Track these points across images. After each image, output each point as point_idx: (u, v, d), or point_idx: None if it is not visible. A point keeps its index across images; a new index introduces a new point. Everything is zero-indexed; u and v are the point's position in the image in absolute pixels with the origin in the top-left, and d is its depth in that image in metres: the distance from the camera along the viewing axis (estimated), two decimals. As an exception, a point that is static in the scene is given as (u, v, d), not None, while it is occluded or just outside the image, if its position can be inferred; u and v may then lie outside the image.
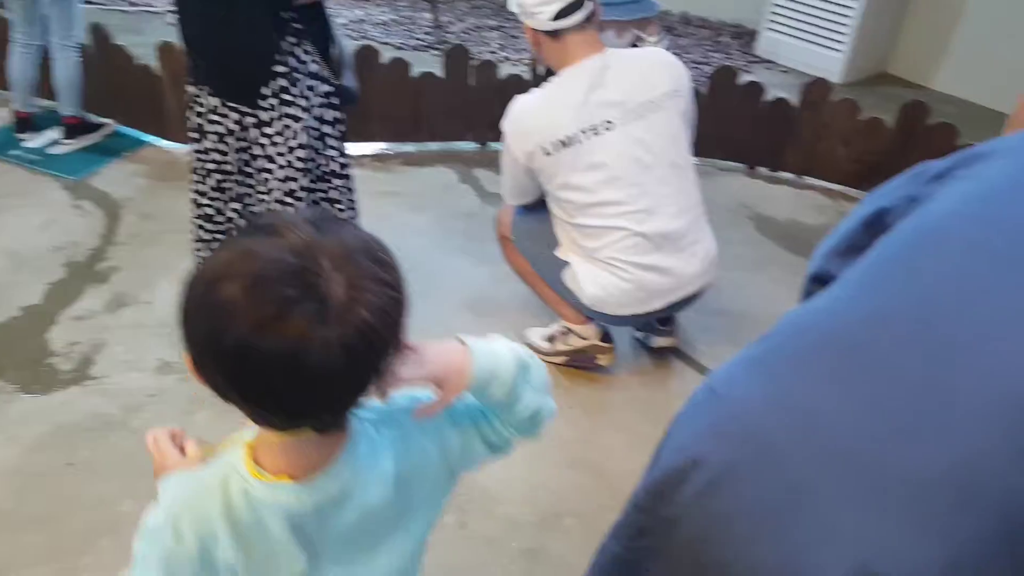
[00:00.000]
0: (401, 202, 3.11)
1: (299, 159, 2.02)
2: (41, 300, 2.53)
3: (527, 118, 2.02)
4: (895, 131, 3.06)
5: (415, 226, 2.98)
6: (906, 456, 0.75)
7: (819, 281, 0.99)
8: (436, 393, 0.88)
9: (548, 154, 1.98)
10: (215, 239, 2.20)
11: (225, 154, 2.06)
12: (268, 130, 1.98)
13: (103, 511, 1.85)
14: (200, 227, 2.22)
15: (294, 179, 2.04)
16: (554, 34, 1.99)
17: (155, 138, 3.44)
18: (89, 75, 3.39)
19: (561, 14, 1.94)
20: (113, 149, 3.43)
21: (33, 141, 3.40)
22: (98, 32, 3.33)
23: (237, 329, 0.69)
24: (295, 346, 0.69)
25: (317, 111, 2.05)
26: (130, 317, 2.48)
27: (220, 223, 2.19)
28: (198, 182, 2.14)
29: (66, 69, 3.23)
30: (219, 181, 2.12)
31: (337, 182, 2.17)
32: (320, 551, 0.88)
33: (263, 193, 2.08)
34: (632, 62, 2.06)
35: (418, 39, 4.66)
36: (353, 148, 3.36)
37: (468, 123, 3.44)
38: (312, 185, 2.11)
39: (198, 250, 2.26)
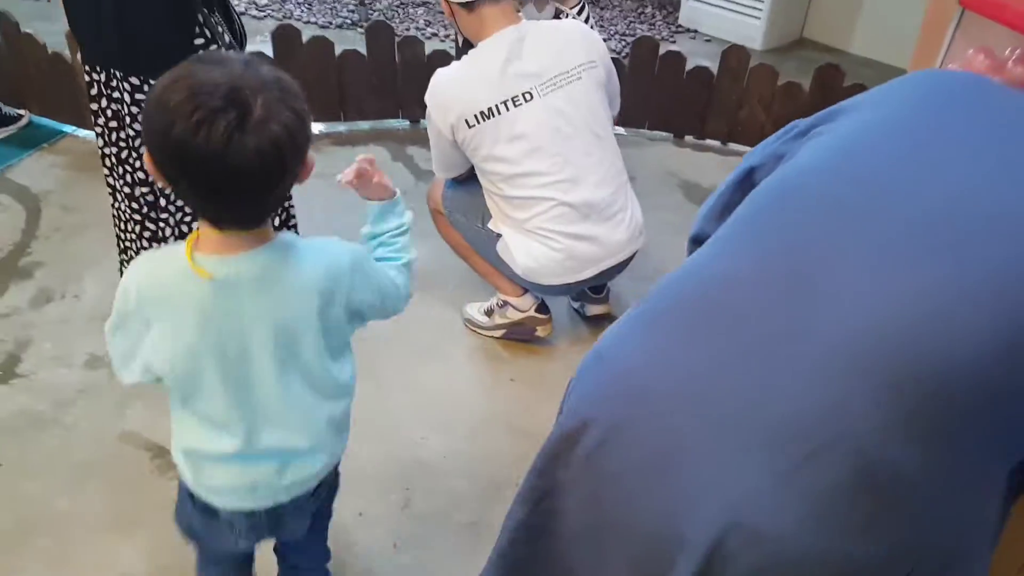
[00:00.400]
0: (333, 183, 3.07)
1: None
2: (-39, 299, 2.45)
3: (447, 91, 2.03)
4: (811, 95, 3.16)
5: (348, 204, 2.94)
6: (768, 407, 0.79)
7: (699, 243, 1.02)
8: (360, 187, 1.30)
9: (470, 126, 2.00)
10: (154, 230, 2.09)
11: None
12: None
13: (37, 510, 1.83)
14: (141, 220, 2.09)
15: None
16: (469, 6, 2.00)
17: (73, 128, 3.33)
18: (1, 65, 3.26)
19: None
20: (30, 141, 3.31)
21: (-58, 136, 3.27)
22: (5, 20, 3.20)
23: (178, 127, 0.92)
24: (221, 146, 0.92)
25: None
26: (56, 312, 2.42)
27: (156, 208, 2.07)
28: (130, 171, 2.03)
29: (-28, 58, 3.09)
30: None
31: None
32: (220, 345, 1.09)
33: None
34: (548, 34, 2.07)
35: (342, 17, 4.59)
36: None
37: (398, 101, 3.42)
38: None
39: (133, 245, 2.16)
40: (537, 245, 2.11)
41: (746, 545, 0.77)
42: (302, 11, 4.65)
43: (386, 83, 3.36)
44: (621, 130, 3.29)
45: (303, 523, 1.32)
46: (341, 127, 3.47)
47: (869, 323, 0.77)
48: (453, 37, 2.28)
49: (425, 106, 2.13)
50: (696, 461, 0.81)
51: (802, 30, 4.63)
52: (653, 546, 0.84)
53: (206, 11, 1.89)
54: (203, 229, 1.08)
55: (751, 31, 4.40)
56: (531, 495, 0.99)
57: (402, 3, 4.79)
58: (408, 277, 1.31)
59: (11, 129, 3.33)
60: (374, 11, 4.70)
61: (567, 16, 2.41)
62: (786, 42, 4.54)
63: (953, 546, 0.81)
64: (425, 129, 3.43)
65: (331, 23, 4.53)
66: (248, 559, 1.44)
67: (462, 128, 2.01)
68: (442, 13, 4.30)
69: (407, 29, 4.41)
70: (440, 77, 2.06)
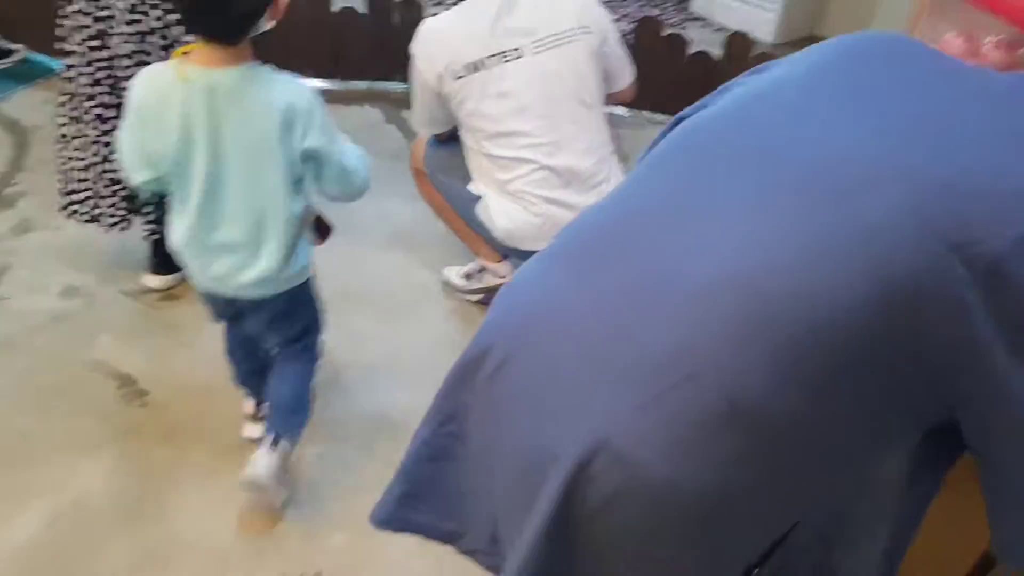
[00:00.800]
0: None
1: None
2: (-58, 223, 2.45)
3: (436, 40, 1.98)
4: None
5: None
6: (638, 340, 0.81)
7: None
8: None
9: (457, 77, 1.96)
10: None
11: (138, 49, 1.92)
12: None
13: (1, 428, 1.83)
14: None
15: None
16: None
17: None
18: (0, -3, 3.25)
19: None
20: (23, 76, 3.31)
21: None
22: (6, -50, 3.18)
23: None
24: None
25: None
26: (37, 241, 2.42)
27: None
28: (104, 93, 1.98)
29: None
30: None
31: None
32: (206, 151, 1.36)
33: None
34: None
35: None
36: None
37: (394, 62, 3.39)
38: None
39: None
40: (516, 208, 2.08)
41: (610, 466, 0.80)
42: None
43: (384, 44, 3.34)
44: (622, 110, 3.27)
45: (259, 323, 1.62)
46: (335, 85, 3.45)
47: (737, 266, 0.78)
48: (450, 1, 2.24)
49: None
50: (569, 388, 0.84)
51: (816, 25, 4.60)
52: (530, 464, 0.87)
53: None
54: (195, 47, 1.34)
55: (763, 23, 4.38)
56: (435, 416, 1.01)
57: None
58: (366, 165, 1.54)
59: (5, 63, 3.33)
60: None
61: None
62: (799, 36, 4.51)
63: (844, 509, 0.82)
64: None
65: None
66: (250, 341, 1.72)
67: (448, 80, 1.97)
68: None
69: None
70: (428, 25, 2.02)
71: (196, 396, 1.98)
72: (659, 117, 3.51)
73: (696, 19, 4.63)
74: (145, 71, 1.39)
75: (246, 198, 1.42)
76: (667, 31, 3.34)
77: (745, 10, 4.44)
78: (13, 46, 3.37)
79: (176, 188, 1.43)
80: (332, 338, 2.19)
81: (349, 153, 1.49)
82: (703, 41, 4.18)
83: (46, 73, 3.33)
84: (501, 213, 2.10)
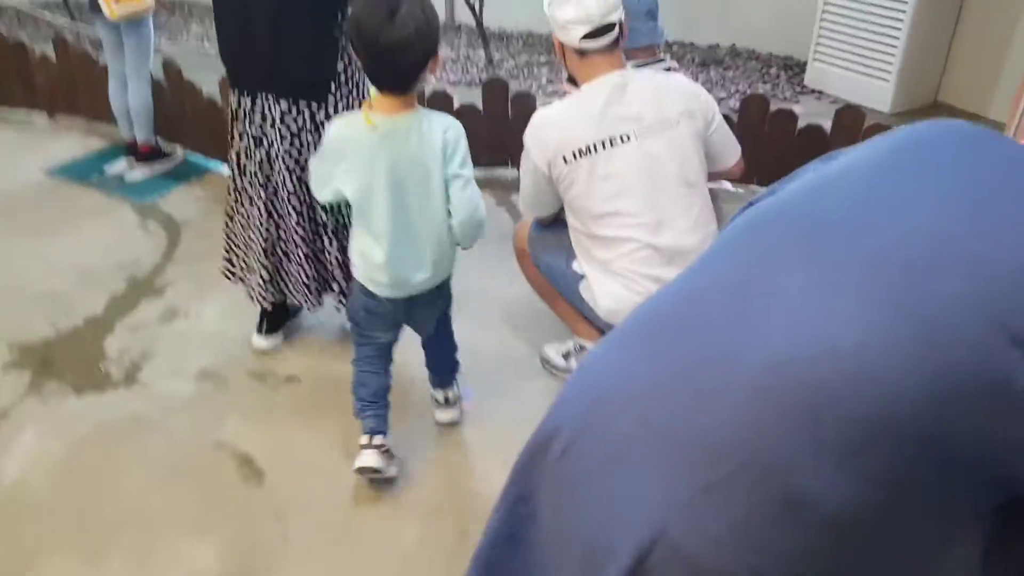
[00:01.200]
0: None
1: None
2: (102, 311, 2.76)
3: (548, 128, 2.08)
4: (930, 160, 3.03)
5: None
6: (697, 423, 0.80)
7: None
8: None
9: (567, 162, 2.04)
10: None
11: (288, 154, 2.24)
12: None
13: (131, 506, 2.02)
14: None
15: None
16: (580, 52, 2.05)
17: (219, 164, 3.70)
18: (163, 107, 3.70)
19: (590, 35, 2.00)
20: (182, 175, 3.71)
21: (113, 168, 3.72)
22: (170, 67, 3.63)
23: (356, 20, 1.67)
24: (378, 32, 1.64)
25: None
26: (179, 328, 2.68)
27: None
28: (259, 180, 2.30)
29: (138, 98, 3.54)
30: (269, 192, 2.32)
31: None
32: (374, 181, 1.78)
33: None
34: (650, 82, 2.11)
35: (472, 75, 4.85)
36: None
37: (508, 151, 3.57)
38: None
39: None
40: (620, 287, 2.10)
41: (667, 559, 0.78)
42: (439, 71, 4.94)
43: (498, 134, 3.52)
44: (730, 185, 3.28)
45: (429, 318, 2.08)
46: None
47: (797, 350, 0.78)
48: (561, 93, 2.37)
49: None
50: (629, 472, 0.84)
51: (937, 93, 4.44)
52: (590, 553, 0.86)
53: (344, 40, 2.16)
54: (375, 98, 1.78)
55: (880, 93, 4.27)
56: (507, 499, 1.03)
57: (528, 63, 5.00)
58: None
59: (167, 163, 3.76)
60: (502, 69, 4.93)
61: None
62: (919, 105, 4.37)
63: None
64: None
65: (461, 80, 4.80)
66: (389, 349, 2.10)
67: (559, 164, 2.06)
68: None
69: (531, 86, 4.59)
70: (541, 114, 2.13)
71: (308, 475, 2.10)
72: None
73: (810, 91, 4.57)
74: (341, 118, 1.86)
75: (420, 214, 1.83)
76: (777, 106, 3.33)
77: (859, 80, 4.36)
78: (173, 147, 3.81)
79: (360, 213, 1.85)
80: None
81: (476, 189, 1.88)
82: (819, 113, 4.12)
83: (200, 172, 3.73)
84: (605, 292, 2.13)
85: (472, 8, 4.79)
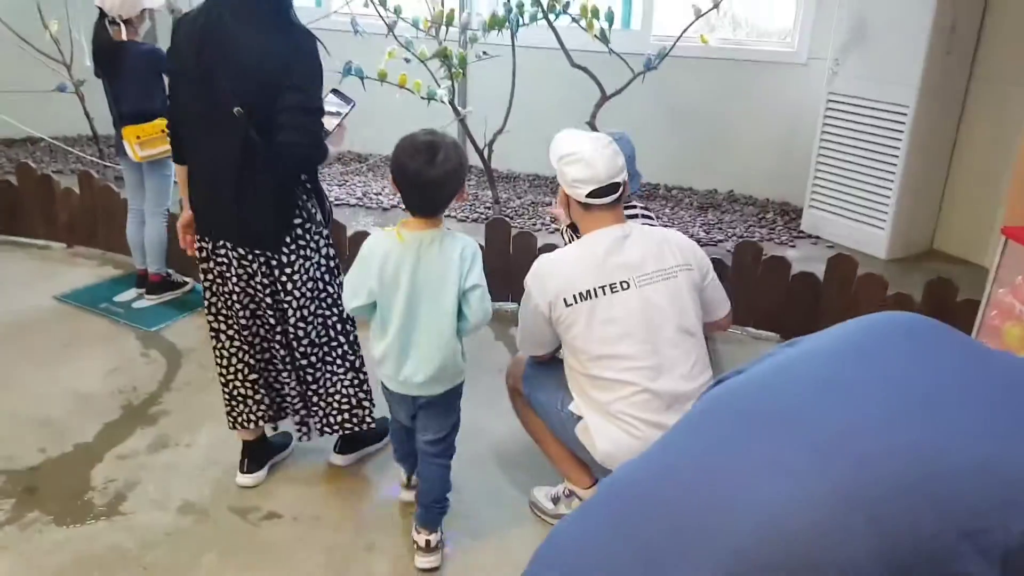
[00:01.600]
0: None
1: (312, 290, 2.36)
2: (93, 439, 2.75)
3: (551, 271, 2.15)
4: (924, 307, 3.06)
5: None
6: None
7: None
8: None
9: (568, 305, 2.09)
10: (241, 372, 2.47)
11: (243, 292, 2.33)
12: (288, 270, 2.29)
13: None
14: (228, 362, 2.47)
15: (308, 305, 2.36)
16: (585, 206, 2.16)
17: (224, 296, 3.78)
18: (177, 240, 3.82)
19: (595, 194, 2.11)
20: (189, 304, 3.79)
21: (122, 296, 3.82)
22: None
23: (400, 161, 2.00)
24: (419, 172, 1.98)
25: (324, 251, 2.39)
26: (167, 458, 2.66)
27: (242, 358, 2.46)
28: (231, 316, 2.40)
29: (154, 232, 3.69)
30: (241, 323, 2.39)
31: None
32: (394, 287, 2.05)
33: (280, 320, 2.36)
34: (649, 235, 2.19)
35: (479, 213, 5.02)
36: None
37: (508, 287, 3.65)
38: (321, 311, 2.42)
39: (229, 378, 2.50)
40: (617, 431, 2.10)
41: None
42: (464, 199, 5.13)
43: (499, 270, 3.60)
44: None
45: (430, 424, 2.23)
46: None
47: (757, 535, 0.79)
48: (567, 237, 2.49)
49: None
50: None
51: (932, 240, 4.54)
52: None
53: (304, 198, 2.28)
54: (408, 219, 2.09)
55: (875, 240, 4.38)
56: None
57: (533, 202, 5.18)
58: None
59: (177, 293, 3.85)
60: (508, 208, 5.11)
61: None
62: (914, 252, 4.46)
63: None
64: (531, 315, 3.63)
65: (468, 217, 4.96)
66: (411, 432, 2.30)
67: (559, 306, 2.11)
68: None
69: (534, 224, 4.74)
70: (546, 259, 2.21)
71: (282, 619, 2.03)
72: (764, 334, 3.50)
73: (806, 236, 4.69)
74: (371, 239, 2.11)
75: (430, 319, 2.08)
76: (773, 250, 3.42)
77: (855, 227, 4.48)
78: (184, 279, 3.92)
79: (379, 315, 2.11)
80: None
81: (488, 297, 2.13)
82: (815, 258, 4.22)
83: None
84: (603, 435, 2.12)
85: (480, 153, 5.03)
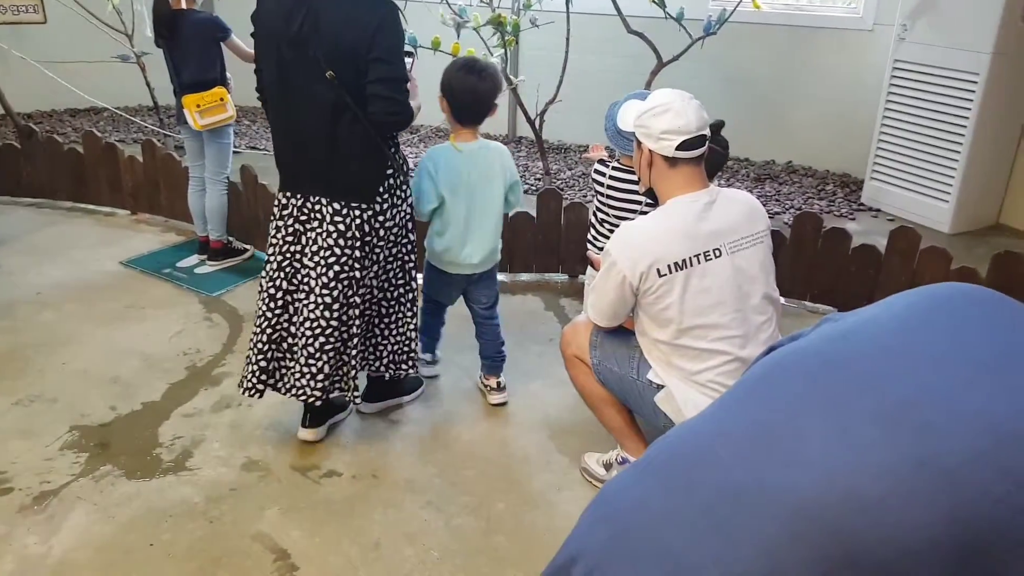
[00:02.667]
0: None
1: (398, 235, 2.54)
2: (160, 398, 2.86)
3: (644, 240, 2.07)
4: (988, 281, 2.98)
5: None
6: (713, 561, 0.80)
7: None
8: None
9: (661, 275, 2.04)
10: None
11: (329, 250, 2.40)
12: (381, 217, 2.43)
13: (170, 589, 2.03)
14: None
15: (392, 249, 2.55)
16: (672, 161, 2.08)
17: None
18: (239, 207, 3.92)
19: (685, 145, 2.05)
20: (249, 271, 3.88)
21: (185, 262, 3.93)
22: (247, 173, 3.86)
23: (456, 78, 2.54)
24: (474, 86, 2.52)
25: (409, 199, 2.56)
26: (230, 417, 2.75)
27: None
28: (284, 276, 2.50)
29: (214, 199, 3.77)
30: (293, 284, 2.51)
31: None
32: (459, 187, 2.61)
33: (379, 266, 2.51)
34: (734, 200, 2.15)
35: (530, 184, 5.02)
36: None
37: (558, 257, 3.65)
38: (403, 254, 2.60)
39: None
40: (704, 399, 2.07)
41: None
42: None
43: (550, 241, 3.61)
44: (781, 299, 3.28)
45: (481, 294, 2.82)
46: (505, 277, 3.75)
47: (816, 495, 0.79)
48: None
49: (584, 261, 2.25)
50: None
51: (999, 215, 4.39)
52: None
53: (392, 151, 2.41)
54: (458, 131, 2.61)
55: (939, 214, 4.26)
56: None
57: (584, 174, 5.15)
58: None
59: (237, 260, 3.95)
60: (558, 179, 5.09)
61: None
62: (980, 227, 4.32)
63: None
64: (580, 283, 3.63)
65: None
66: (445, 308, 2.97)
67: (652, 276, 2.05)
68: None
69: (585, 196, 4.72)
70: (635, 228, 2.13)
71: (338, 572, 2.09)
72: (821, 308, 3.44)
73: (867, 209, 4.58)
74: (430, 151, 2.63)
75: (486, 209, 2.64)
76: (832, 223, 3.35)
77: (918, 200, 4.36)
78: (245, 246, 4.01)
79: (444, 214, 2.63)
80: (470, 520, 2.27)
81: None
82: (875, 231, 4.13)
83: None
84: (690, 404, 2.09)
85: (532, 124, 5.01)
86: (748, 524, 0.82)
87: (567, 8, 4.60)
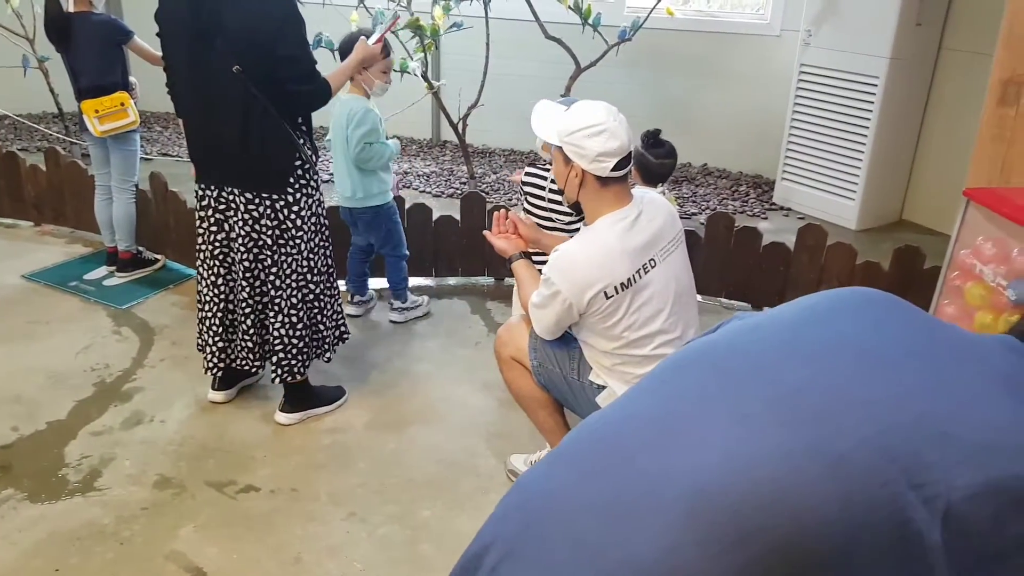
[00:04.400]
0: (413, 330, 3.31)
1: (315, 224, 2.59)
2: (66, 416, 2.73)
3: (587, 267, 2.05)
4: (891, 274, 3.12)
5: (421, 354, 3.14)
6: (627, 548, 0.83)
7: None
8: None
9: (609, 296, 2.04)
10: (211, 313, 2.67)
11: (247, 236, 2.50)
12: (295, 207, 2.49)
13: (77, 616, 1.94)
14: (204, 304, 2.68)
15: (314, 239, 2.60)
16: (605, 181, 2.06)
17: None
18: (148, 216, 3.78)
19: (618, 165, 2.03)
20: (160, 281, 3.75)
21: (92, 274, 3.77)
22: (156, 180, 3.73)
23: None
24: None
25: (320, 189, 2.63)
26: (142, 434, 2.65)
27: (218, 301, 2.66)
28: (216, 264, 2.58)
29: (122, 208, 3.63)
30: (225, 268, 2.60)
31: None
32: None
33: (292, 255, 2.54)
34: (655, 208, 2.16)
35: (454, 188, 5.01)
36: (375, 283, 3.60)
37: (483, 261, 3.65)
38: (324, 243, 2.67)
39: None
40: None
41: None
42: (420, 182, 5.11)
43: (475, 245, 3.60)
44: (699, 298, 3.37)
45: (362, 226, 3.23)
46: (431, 281, 3.74)
47: (715, 480, 0.82)
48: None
49: (506, 261, 2.34)
50: None
51: (902, 211, 4.60)
52: None
53: (300, 142, 2.46)
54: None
55: (845, 211, 4.43)
56: None
57: (508, 178, 5.17)
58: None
59: (148, 270, 3.81)
60: (483, 183, 5.09)
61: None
62: (884, 223, 4.52)
63: None
64: (507, 286, 3.64)
65: (443, 192, 4.95)
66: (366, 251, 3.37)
67: (599, 299, 2.05)
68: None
69: (510, 199, 4.74)
70: (573, 254, 2.08)
71: (261, 589, 2.04)
72: (736, 304, 3.54)
73: (778, 208, 4.73)
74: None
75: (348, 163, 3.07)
76: (745, 222, 3.45)
77: (826, 198, 4.53)
78: (156, 256, 3.87)
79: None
80: (395, 529, 2.25)
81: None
82: (787, 229, 4.27)
83: (179, 279, 3.77)
84: None
85: (454, 127, 5.01)
86: (652, 506, 0.84)
87: (485, 13, 4.61)
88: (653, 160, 2.90)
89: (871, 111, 4.20)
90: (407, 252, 3.37)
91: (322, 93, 2.44)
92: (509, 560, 0.92)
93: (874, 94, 4.17)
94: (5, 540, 2.17)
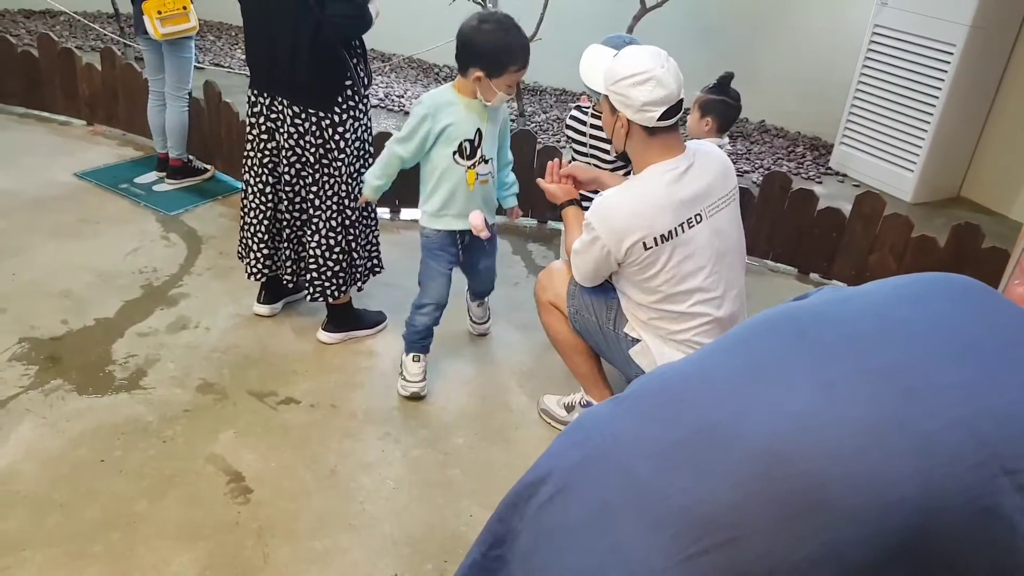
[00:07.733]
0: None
1: (358, 149, 2.58)
2: (114, 315, 2.79)
3: (628, 216, 2.02)
4: (946, 250, 3.04)
5: (461, 289, 3.14)
6: (689, 495, 0.83)
7: None
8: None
9: (647, 248, 2.01)
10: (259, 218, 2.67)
11: (291, 150, 2.51)
12: (340, 128, 2.47)
13: (119, 507, 2.02)
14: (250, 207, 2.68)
15: (354, 163, 2.57)
16: (652, 131, 2.01)
17: (245, 186, 3.77)
18: (200, 125, 3.79)
19: (666, 115, 1.97)
20: (209, 192, 3.78)
21: (143, 178, 3.81)
22: (210, 89, 3.72)
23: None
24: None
25: (369, 114, 2.61)
26: (187, 339, 2.70)
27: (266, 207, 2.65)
28: (266, 171, 2.59)
29: (175, 116, 3.63)
30: (275, 176, 2.60)
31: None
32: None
33: (334, 176, 2.52)
34: (709, 162, 2.10)
35: (503, 123, 4.94)
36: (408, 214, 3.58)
37: (529, 202, 3.61)
38: (366, 170, 2.59)
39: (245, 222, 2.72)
40: (680, 356, 2.07)
41: None
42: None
43: (522, 184, 3.56)
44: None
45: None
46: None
47: (794, 441, 0.81)
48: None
49: (554, 209, 2.25)
50: (613, 534, 0.85)
51: (960, 188, 4.47)
52: None
53: (354, 62, 2.44)
54: (461, 81, 2.36)
55: (903, 182, 4.32)
56: (486, 539, 1.04)
57: (559, 119, 5.09)
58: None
59: (197, 179, 3.83)
60: (533, 122, 5.02)
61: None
62: (941, 198, 4.40)
63: None
64: (550, 229, 3.62)
65: (491, 126, 4.88)
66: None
67: (637, 249, 2.02)
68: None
69: (559, 140, 4.67)
70: (616, 202, 2.04)
71: (294, 499, 2.09)
72: (782, 267, 3.49)
73: (834, 173, 4.62)
74: (429, 96, 2.37)
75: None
76: (799, 185, 3.37)
77: (884, 167, 4.40)
78: (206, 166, 3.89)
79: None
80: (427, 452, 2.29)
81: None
82: (840, 196, 4.18)
83: (228, 191, 3.80)
84: (665, 358, 2.11)
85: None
86: (720, 459, 0.84)
87: (552, -56, 4.47)
88: (733, 103, 2.78)
89: (943, 80, 4.04)
90: None
91: (365, 15, 2.35)
92: (565, 494, 0.93)
93: (949, 63, 4.01)
94: (53, 428, 2.25)
